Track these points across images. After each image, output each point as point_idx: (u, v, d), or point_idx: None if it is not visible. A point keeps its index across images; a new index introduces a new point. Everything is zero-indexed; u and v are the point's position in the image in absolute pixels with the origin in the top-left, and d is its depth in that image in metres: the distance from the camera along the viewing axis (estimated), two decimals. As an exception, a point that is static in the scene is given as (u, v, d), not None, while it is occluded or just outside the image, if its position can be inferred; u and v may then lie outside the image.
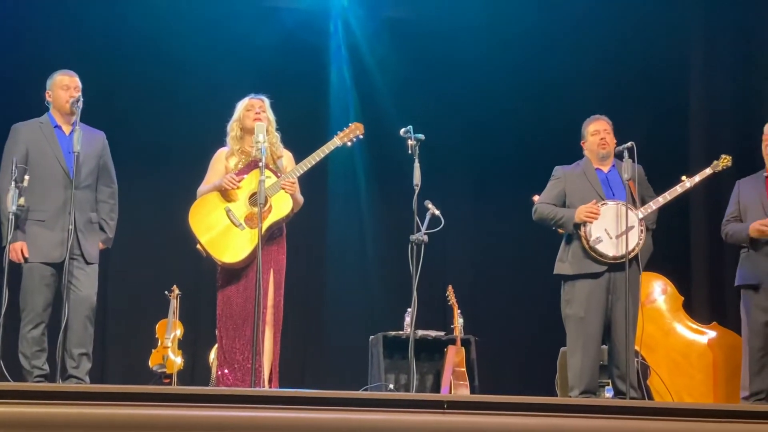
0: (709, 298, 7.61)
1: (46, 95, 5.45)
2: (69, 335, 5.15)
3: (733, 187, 5.99)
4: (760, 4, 7.74)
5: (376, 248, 8.36)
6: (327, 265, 8.39)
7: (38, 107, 5.51)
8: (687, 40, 8.20)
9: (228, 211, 5.42)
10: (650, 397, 6.13)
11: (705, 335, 6.74)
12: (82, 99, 5.30)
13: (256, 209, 5.23)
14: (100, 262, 5.41)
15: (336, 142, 5.57)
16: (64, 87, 5.37)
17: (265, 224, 5.31)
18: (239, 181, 5.42)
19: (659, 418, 4.37)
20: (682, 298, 6.89)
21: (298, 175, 5.47)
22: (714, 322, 6.84)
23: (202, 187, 5.55)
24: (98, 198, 5.43)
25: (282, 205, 5.41)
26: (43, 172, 5.27)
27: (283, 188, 5.39)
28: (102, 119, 5.72)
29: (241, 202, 5.44)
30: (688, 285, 7.55)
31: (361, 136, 5.63)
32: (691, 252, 7.91)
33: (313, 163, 5.48)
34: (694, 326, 6.80)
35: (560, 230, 5.78)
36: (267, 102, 5.60)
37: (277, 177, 5.43)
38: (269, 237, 5.42)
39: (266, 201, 5.26)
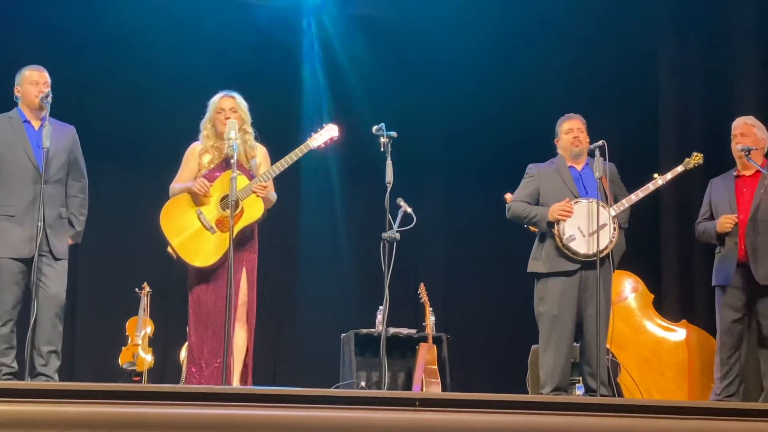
0: (680, 297, 7.66)
1: (15, 90, 5.40)
2: (38, 333, 5.10)
3: (703, 184, 6.04)
4: (728, 2, 7.81)
5: (348, 246, 8.36)
6: (299, 262, 8.37)
7: (7, 102, 5.46)
8: (657, 39, 8.25)
9: (199, 214, 5.39)
10: (620, 395, 6.16)
11: (674, 333, 6.79)
12: (51, 94, 5.26)
13: (227, 213, 5.19)
14: (69, 258, 5.37)
15: (310, 144, 5.52)
16: (33, 82, 5.33)
17: (237, 228, 5.26)
18: (211, 185, 5.38)
19: (629, 415, 4.39)
20: (653, 296, 6.94)
21: (271, 177, 5.44)
22: (684, 320, 6.89)
23: (175, 185, 5.51)
24: (68, 193, 5.38)
25: (253, 209, 5.38)
26: (12, 167, 5.22)
27: (255, 192, 5.35)
28: (73, 115, 5.68)
29: (212, 205, 5.41)
30: (658, 283, 7.60)
31: (336, 138, 5.58)
32: (661, 250, 7.96)
33: (286, 166, 5.42)
34: (664, 324, 6.84)
35: (534, 228, 5.79)
36: (238, 98, 5.54)
37: (250, 179, 5.39)
38: (240, 239, 5.38)
39: (237, 204, 5.22)
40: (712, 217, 5.86)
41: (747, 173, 5.84)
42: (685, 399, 6.39)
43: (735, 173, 5.88)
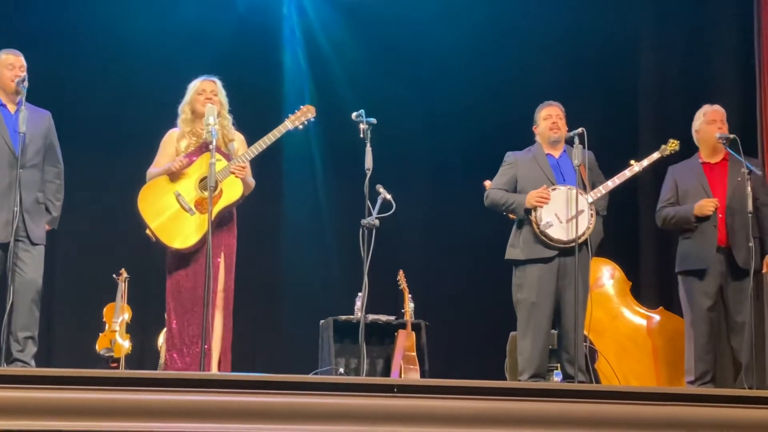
0: (657, 283, 7.70)
1: (-9, 75, 5.35)
2: (14, 318, 5.06)
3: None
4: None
5: (327, 232, 8.35)
6: (279, 248, 8.36)
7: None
8: (636, 26, 8.28)
9: (178, 196, 5.37)
10: (597, 381, 6.20)
11: (651, 320, 6.82)
12: (27, 78, 5.22)
13: (206, 194, 5.18)
14: (46, 243, 5.33)
15: (287, 125, 5.53)
16: (9, 66, 5.27)
17: (216, 209, 5.26)
18: (189, 164, 5.37)
19: (607, 402, 4.42)
20: (630, 283, 6.96)
21: (249, 159, 5.43)
22: (661, 307, 6.91)
23: (152, 169, 5.49)
24: (44, 178, 5.34)
25: (232, 190, 5.37)
26: (-13, 151, 5.18)
27: (233, 173, 5.34)
28: (51, 100, 5.63)
29: (191, 187, 5.39)
30: (636, 270, 7.64)
31: (313, 119, 5.60)
32: (639, 237, 8.00)
33: (264, 147, 5.43)
34: (641, 311, 6.87)
35: (511, 216, 5.80)
36: (219, 84, 5.54)
37: (228, 161, 5.38)
38: (219, 222, 5.38)
39: (216, 186, 5.21)
40: (677, 204, 5.86)
41: (713, 161, 5.86)
42: (658, 384, 6.43)
43: (701, 160, 5.89)
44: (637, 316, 6.84)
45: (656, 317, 6.82)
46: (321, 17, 8.47)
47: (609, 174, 5.77)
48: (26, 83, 5.20)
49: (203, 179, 5.31)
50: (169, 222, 5.36)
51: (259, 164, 5.58)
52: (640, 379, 6.61)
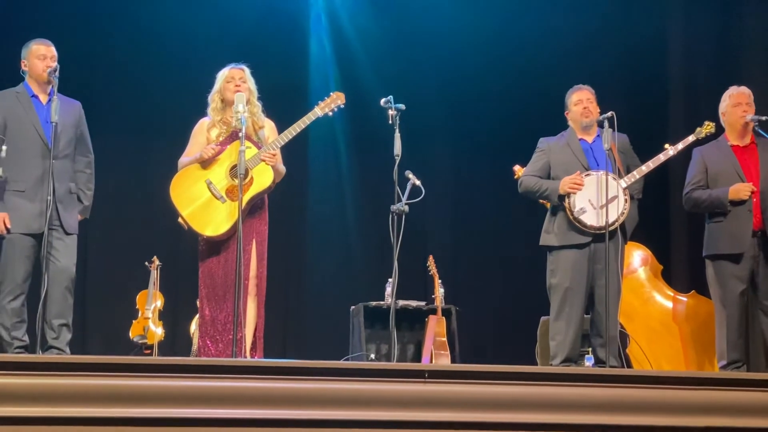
0: (688, 267, 7.64)
1: (22, 64, 5.38)
2: (49, 306, 5.12)
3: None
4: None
5: (357, 218, 8.36)
6: (308, 235, 8.38)
7: (12, 77, 5.44)
8: (666, 8, 8.20)
9: (209, 184, 5.39)
10: (629, 366, 6.17)
11: (683, 304, 6.78)
12: (59, 68, 5.25)
13: (236, 181, 5.20)
14: (80, 232, 5.38)
15: (317, 112, 5.53)
16: (41, 56, 5.31)
17: (246, 196, 5.28)
18: (220, 152, 5.39)
19: (639, 386, 4.41)
20: (661, 267, 6.92)
21: (279, 146, 5.45)
22: (693, 291, 6.87)
23: (183, 159, 5.52)
24: (75, 168, 5.38)
25: (263, 177, 5.39)
26: (21, 142, 5.22)
27: (263, 160, 5.36)
28: (81, 89, 5.68)
29: (222, 175, 5.41)
30: (667, 254, 7.59)
31: (342, 106, 5.60)
32: (670, 220, 7.95)
33: (294, 134, 5.44)
34: (673, 295, 6.83)
35: (546, 203, 5.77)
36: (247, 71, 5.55)
37: (258, 148, 5.40)
38: (251, 209, 5.41)
39: (247, 173, 5.23)
40: (706, 186, 5.79)
41: (741, 143, 5.79)
42: (689, 368, 6.40)
43: (730, 143, 5.81)
44: (668, 300, 6.80)
45: (688, 301, 6.77)
46: (347, 3, 8.46)
47: (643, 157, 5.72)
48: (58, 73, 5.23)
49: (234, 167, 5.33)
50: (201, 210, 5.39)
51: (286, 152, 5.59)
52: (672, 363, 6.58)
